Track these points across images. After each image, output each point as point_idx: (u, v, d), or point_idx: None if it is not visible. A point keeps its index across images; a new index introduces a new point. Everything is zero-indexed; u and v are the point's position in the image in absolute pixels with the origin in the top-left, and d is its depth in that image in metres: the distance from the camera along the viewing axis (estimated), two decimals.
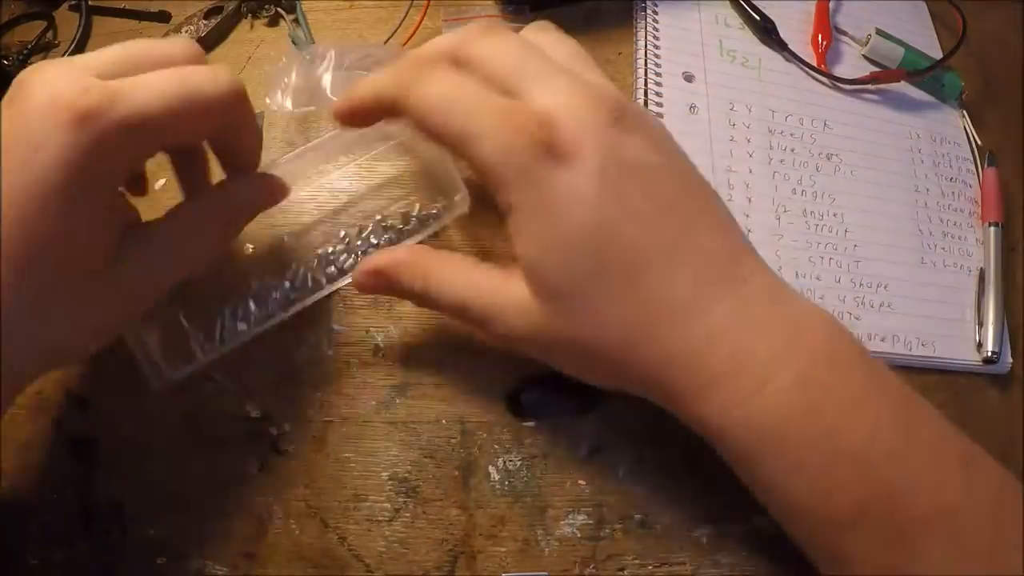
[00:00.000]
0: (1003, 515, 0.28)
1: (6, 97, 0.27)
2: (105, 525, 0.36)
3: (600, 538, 0.36)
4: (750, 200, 0.43)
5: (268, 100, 0.44)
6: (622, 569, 0.36)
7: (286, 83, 0.43)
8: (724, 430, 0.29)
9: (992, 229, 0.43)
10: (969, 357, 0.40)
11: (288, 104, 0.42)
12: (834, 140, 0.46)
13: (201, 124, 0.30)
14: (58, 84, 0.26)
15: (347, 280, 0.38)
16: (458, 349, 0.39)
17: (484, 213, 0.40)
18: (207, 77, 0.29)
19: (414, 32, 0.46)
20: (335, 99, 0.42)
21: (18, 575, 0.36)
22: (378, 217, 0.39)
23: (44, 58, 0.51)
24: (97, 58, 0.28)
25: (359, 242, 0.39)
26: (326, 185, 0.41)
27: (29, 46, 0.51)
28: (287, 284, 0.37)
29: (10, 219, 0.25)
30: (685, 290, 0.28)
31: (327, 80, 0.43)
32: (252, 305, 0.37)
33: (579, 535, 0.36)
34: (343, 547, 0.36)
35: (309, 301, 0.38)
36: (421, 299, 0.33)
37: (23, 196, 0.25)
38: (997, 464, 0.30)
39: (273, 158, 0.37)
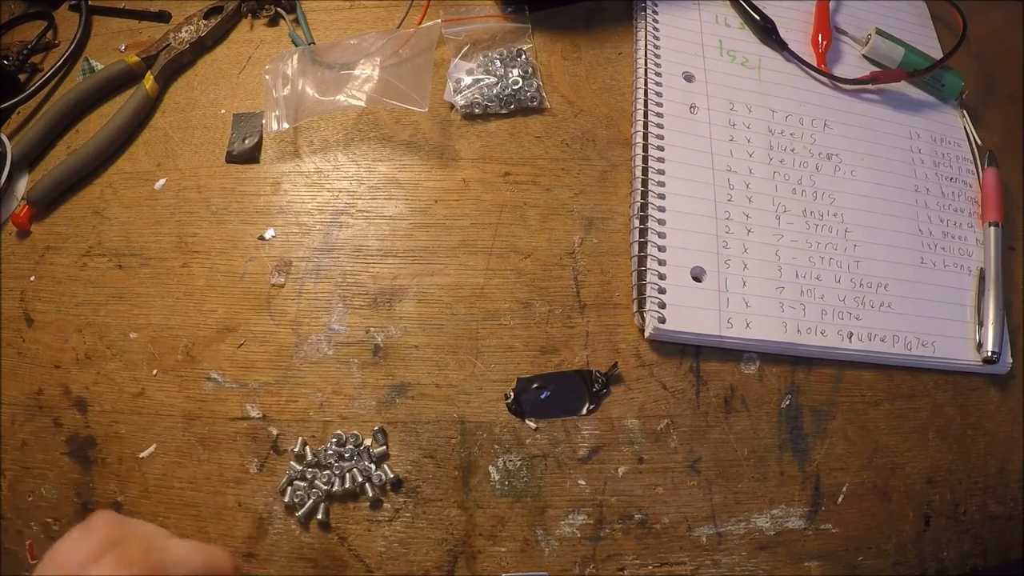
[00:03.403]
0: None
1: None
2: None
3: (600, 538, 0.36)
4: (750, 200, 0.43)
5: (265, 122, 0.46)
6: (622, 569, 0.36)
7: (276, 99, 0.45)
8: None
9: (992, 229, 0.43)
10: (969, 357, 0.41)
11: (284, 124, 0.45)
12: (834, 140, 0.46)
13: None
14: None
15: None
16: (458, 349, 0.39)
17: None
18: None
19: (414, 32, 0.46)
20: (324, 99, 0.44)
21: (18, 575, 0.37)
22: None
23: (44, 58, 0.52)
24: None
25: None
26: None
27: (29, 46, 0.51)
28: None
29: None
30: None
31: (310, 85, 0.45)
32: None
33: (579, 535, 0.36)
34: (343, 547, 0.36)
35: None
36: None
37: None
38: None
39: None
